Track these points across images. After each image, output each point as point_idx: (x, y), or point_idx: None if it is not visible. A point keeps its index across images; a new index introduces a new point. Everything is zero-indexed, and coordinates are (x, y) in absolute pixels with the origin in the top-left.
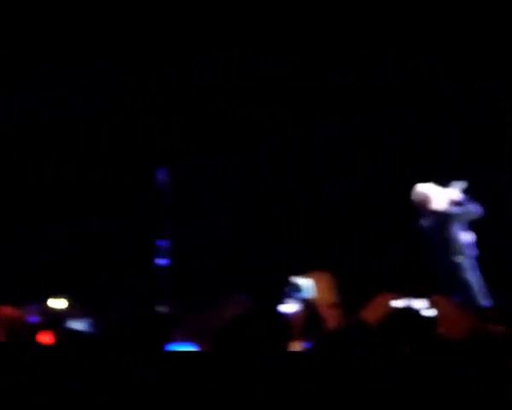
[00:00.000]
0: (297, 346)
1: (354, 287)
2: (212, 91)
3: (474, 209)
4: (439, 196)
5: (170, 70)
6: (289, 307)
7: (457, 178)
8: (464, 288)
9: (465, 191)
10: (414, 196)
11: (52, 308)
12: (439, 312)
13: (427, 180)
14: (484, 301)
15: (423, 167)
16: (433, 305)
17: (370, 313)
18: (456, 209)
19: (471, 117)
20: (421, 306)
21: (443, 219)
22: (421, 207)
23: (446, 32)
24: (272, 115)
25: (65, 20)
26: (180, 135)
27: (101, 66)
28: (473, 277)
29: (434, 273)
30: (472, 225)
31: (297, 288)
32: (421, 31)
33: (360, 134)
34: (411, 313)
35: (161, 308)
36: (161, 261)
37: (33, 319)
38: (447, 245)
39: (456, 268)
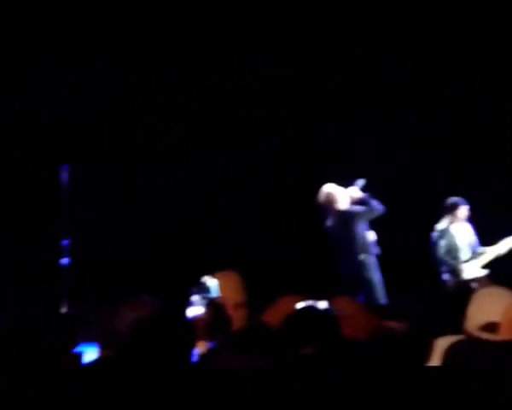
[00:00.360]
0: (203, 346)
1: (261, 288)
2: (212, 91)
3: (377, 207)
4: (343, 196)
5: (170, 70)
6: (196, 308)
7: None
8: (367, 286)
9: (367, 189)
10: (319, 197)
11: None
12: (341, 312)
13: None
14: (385, 299)
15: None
16: (335, 306)
17: (272, 315)
18: (359, 208)
19: (471, 117)
20: (323, 307)
21: (347, 217)
22: (326, 207)
23: (446, 32)
24: (272, 115)
25: (65, 20)
26: (180, 135)
27: (101, 66)
28: (375, 275)
29: (339, 272)
30: (374, 224)
31: (204, 288)
32: (421, 31)
33: (360, 134)
34: (312, 314)
35: (65, 308)
36: (64, 261)
37: None
38: (351, 244)
39: (359, 266)
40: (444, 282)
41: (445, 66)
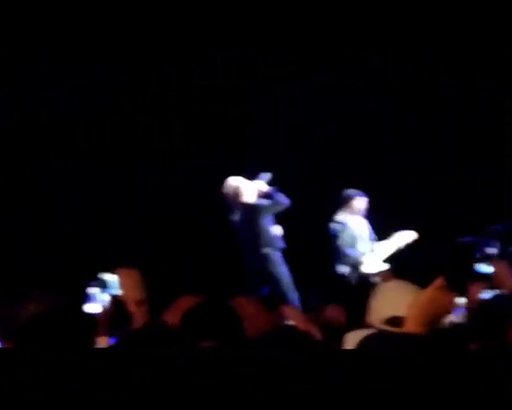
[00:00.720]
0: (103, 342)
1: (162, 285)
2: (212, 91)
3: (282, 200)
4: (249, 189)
5: (170, 70)
6: (96, 304)
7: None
8: (273, 280)
9: (272, 183)
10: (224, 190)
11: None
12: (241, 312)
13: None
14: (291, 293)
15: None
16: (234, 306)
17: (172, 315)
18: (265, 201)
19: (471, 117)
20: (222, 302)
21: (253, 211)
22: (232, 201)
23: (446, 32)
24: (272, 115)
25: (65, 19)
26: (180, 135)
27: (101, 66)
28: (281, 269)
29: (245, 266)
30: (279, 218)
31: (103, 284)
32: (421, 31)
33: (360, 134)
34: (210, 309)
35: None
36: None
37: None
38: (257, 237)
39: (264, 260)
40: (343, 275)
41: (445, 66)
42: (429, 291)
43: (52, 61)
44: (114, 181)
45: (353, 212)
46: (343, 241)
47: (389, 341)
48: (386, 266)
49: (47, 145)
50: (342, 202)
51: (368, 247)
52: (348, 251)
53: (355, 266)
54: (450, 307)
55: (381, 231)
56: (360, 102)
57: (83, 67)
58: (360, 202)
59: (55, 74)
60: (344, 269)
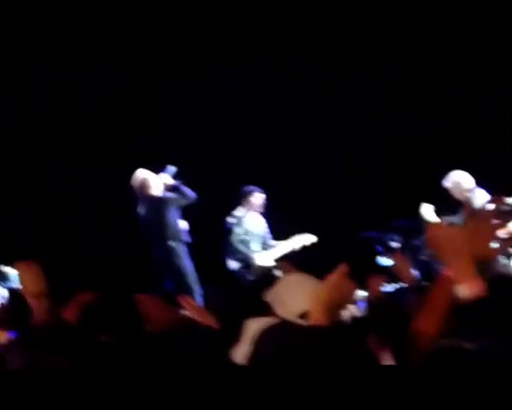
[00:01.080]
0: (2, 336)
1: (65, 281)
2: (212, 91)
3: (189, 194)
4: (156, 182)
5: (170, 70)
6: None
7: None
8: (177, 273)
9: (178, 177)
10: (132, 182)
11: None
12: (141, 307)
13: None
14: (194, 287)
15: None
16: (134, 302)
17: (70, 312)
18: (171, 194)
19: (471, 117)
20: (122, 302)
21: (159, 204)
22: (139, 193)
23: (446, 32)
24: (272, 115)
25: (65, 20)
26: (180, 134)
27: (101, 66)
28: (185, 263)
29: (150, 258)
30: (185, 211)
31: (4, 277)
32: (421, 31)
33: (360, 134)
34: (109, 309)
35: None
36: None
37: None
38: (162, 230)
39: (169, 253)
40: (233, 271)
41: (445, 66)
42: (333, 277)
43: (52, 61)
44: (114, 181)
45: (251, 207)
46: (236, 236)
47: (291, 331)
48: (276, 265)
49: (47, 145)
50: (241, 198)
51: (260, 244)
52: (239, 247)
53: (245, 262)
54: (352, 295)
55: (285, 227)
56: (360, 102)
57: (83, 67)
58: (257, 198)
59: (55, 74)
60: (234, 265)
